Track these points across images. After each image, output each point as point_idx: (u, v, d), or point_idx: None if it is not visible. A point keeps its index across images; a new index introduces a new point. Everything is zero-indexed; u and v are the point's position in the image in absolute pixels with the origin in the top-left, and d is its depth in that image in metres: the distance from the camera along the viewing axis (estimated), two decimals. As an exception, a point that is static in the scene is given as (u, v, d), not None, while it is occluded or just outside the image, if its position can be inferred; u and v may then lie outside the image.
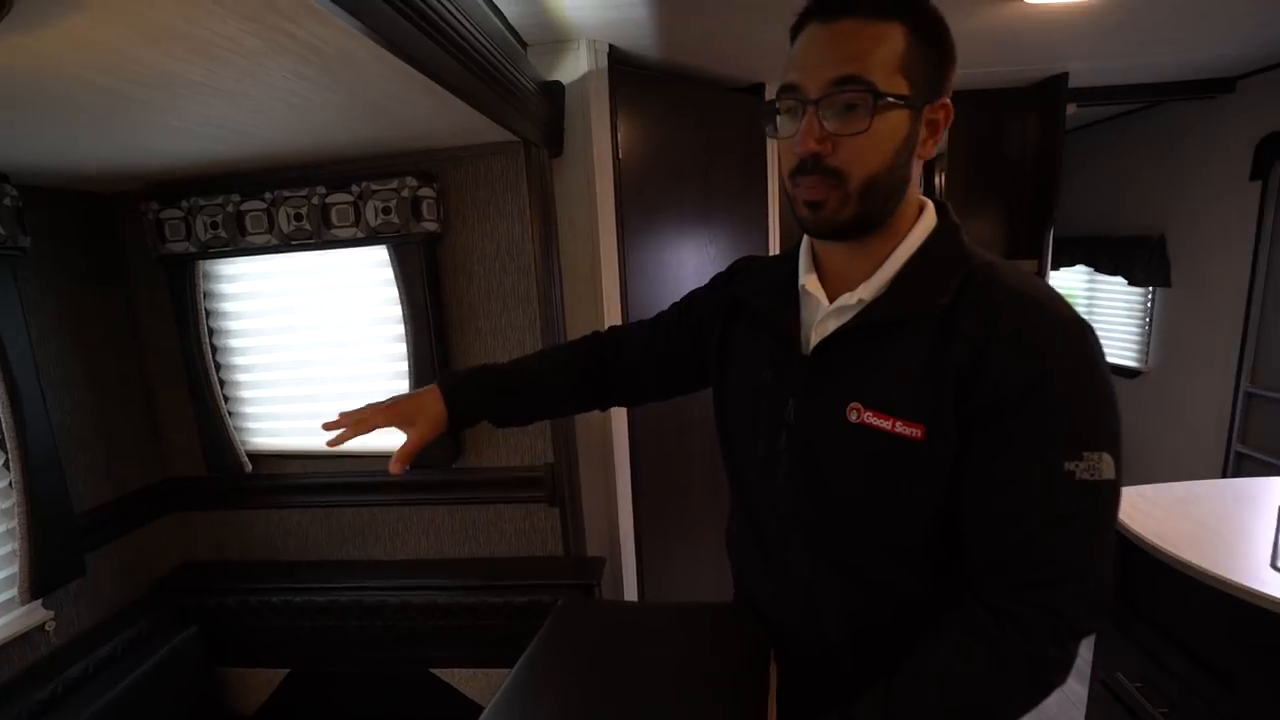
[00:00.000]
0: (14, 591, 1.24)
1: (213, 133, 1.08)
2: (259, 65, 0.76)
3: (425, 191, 1.34)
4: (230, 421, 1.52)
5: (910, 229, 0.67)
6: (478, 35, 0.90)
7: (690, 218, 1.76)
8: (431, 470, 1.50)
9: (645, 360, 0.94)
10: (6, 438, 1.21)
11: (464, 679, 1.47)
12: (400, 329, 1.43)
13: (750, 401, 0.76)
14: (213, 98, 0.89)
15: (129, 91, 0.83)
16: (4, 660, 1.23)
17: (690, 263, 1.76)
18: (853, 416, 0.65)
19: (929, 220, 0.68)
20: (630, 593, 1.61)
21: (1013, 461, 0.59)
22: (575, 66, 1.44)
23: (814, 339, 0.69)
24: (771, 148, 1.88)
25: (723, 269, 0.91)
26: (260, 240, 1.39)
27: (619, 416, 1.54)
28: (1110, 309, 3.07)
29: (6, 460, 1.23)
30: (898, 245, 0.66)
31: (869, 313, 0.65)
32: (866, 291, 0.66)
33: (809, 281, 0.71)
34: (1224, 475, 2.39)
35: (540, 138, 1.34)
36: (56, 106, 0.87)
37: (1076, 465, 0.57)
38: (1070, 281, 3.30)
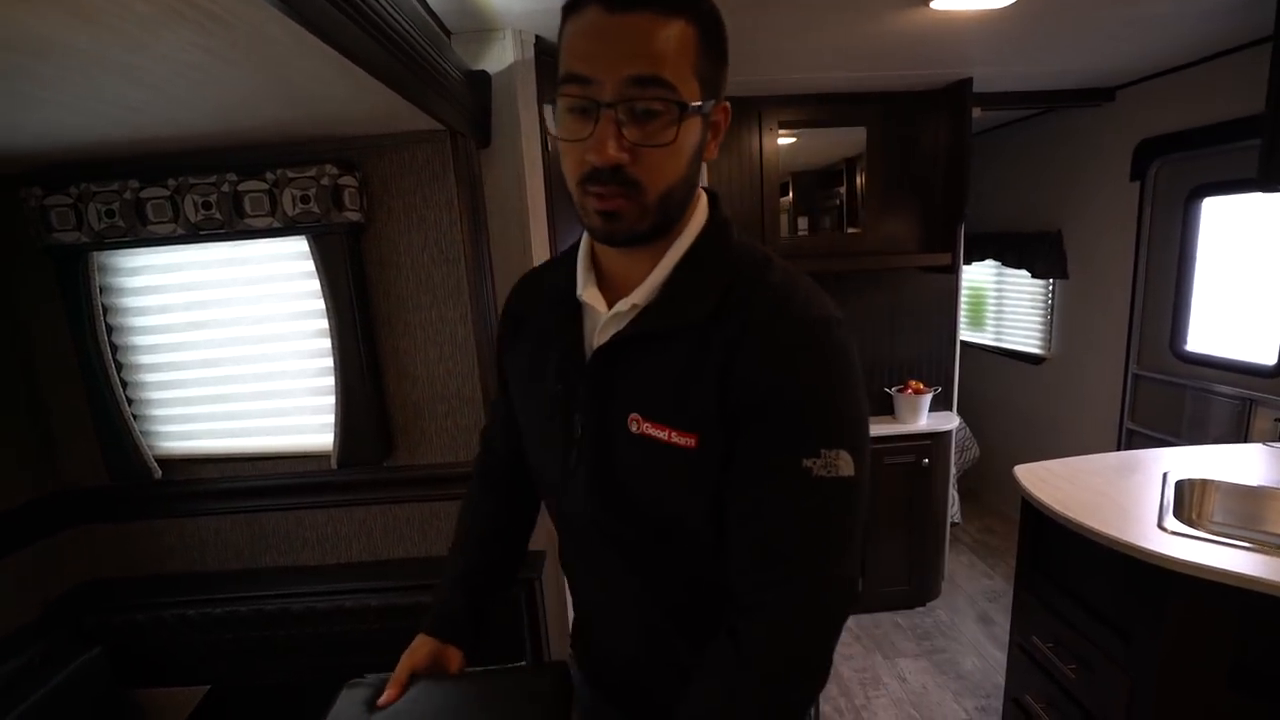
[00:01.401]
0: (-120, 619, 1.11)
1: (104, 110, 1.00)
2: (152, 34, 0.72)
3: (347, 180, 1.30)
4: (135, 425, 1.42)
5: (684, 228, 0.66)
6: (395, 14, 0.88)
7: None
8: (362, 469, 1.45)
9: (504, 436, 0.88)
10: None
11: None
12: (323, 323, 1.37)
13: (542, 418, 0.74)
14: (100, 70, 0.83)
15: (8, 60, 0.77)
16: None
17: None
18: (634, 428, 0.64)
19: (700, 218, 0.67)
20: None
21: (755, 462, 0.59)
22: (501, 57, 1.42)
23: (594, 341, 0.68)
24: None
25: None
26: (164, 230, 1.30)
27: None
28: (1017, 300, 3.29)
29: None
30: (671, 245, 0.65)
31: (639, 322, 0.64)
32: (640, 296, 0.65)
33: (588, 294, 0.69)
34: (1118, 449, 2.60)
35: (467, 127, 1.32)
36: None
37: (814, 462, 0.57)
38: (981, 276, 3.52)
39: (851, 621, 2.47)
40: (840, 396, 0.60)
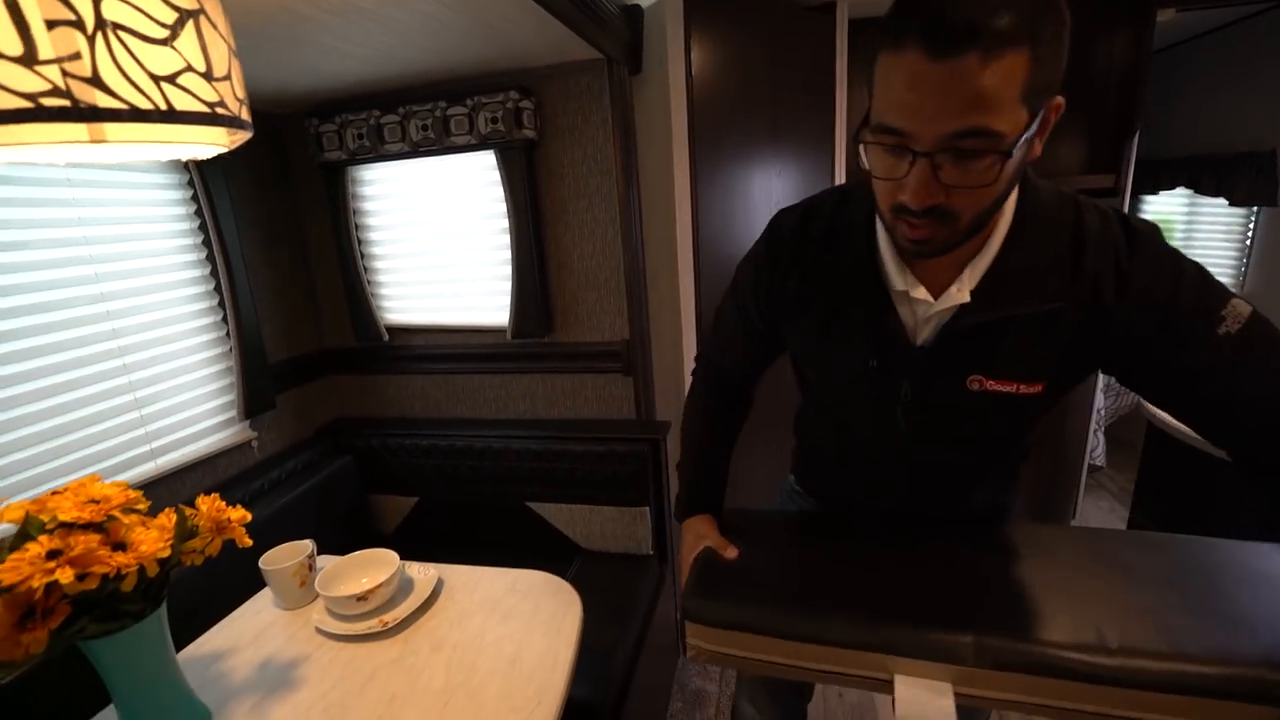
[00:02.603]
0: (234, 412, 1.67)
1: (364, 54, 1.37)
2: (416, -6, 1.03)
3: (525, 104, 1.60)
4: (372, 300, 1.89)
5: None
6: (570, -38, 1.13)
7: (759, 132, 1.93)
8: (528, 343, 1.82)
9: (745, 370, 0.98)
10: (226, 301, 1.62)
11: (551, 511, 1.82)
12: (504, 223, 1.73)
13: (848, 381, 0.79)
14: (372, 23, 1.17)
15: (317, 18, 1.12)
16: (225, 463, 1.68)
17: (756, 176, 1.94)
18: (974, 386, 0.70)
19: (1013, 197, 0.66)
20: None
21: (1194, 361, 0.63)
22: (652, -9, 1.62)
23: (923, 332, 0.71)
24: (840, 64, 1.98)
25: (785, 198, 1.00)
26: (395, 148, 1.70)
27: (688, 301, 1.79)
28: (1209, 233, 2.94)
29: (225, 317, 1.64)
30: (992, 234, 0.66)
31: (974, 314, 0.67)
32: (971, 280, 0.66)
33: (914, 290, 0.69)
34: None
35: (622, 56, 1.55)
36: (257, 35, 1.18)
37: (1224, 328, 0.61)
38: (1168, 207, 3.16)
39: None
40: (1200, 272, 0.64)
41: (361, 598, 1.08)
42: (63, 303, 1.29)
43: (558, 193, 1.71)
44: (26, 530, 0.75)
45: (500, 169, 1.67)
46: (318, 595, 1.19)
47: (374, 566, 1.17)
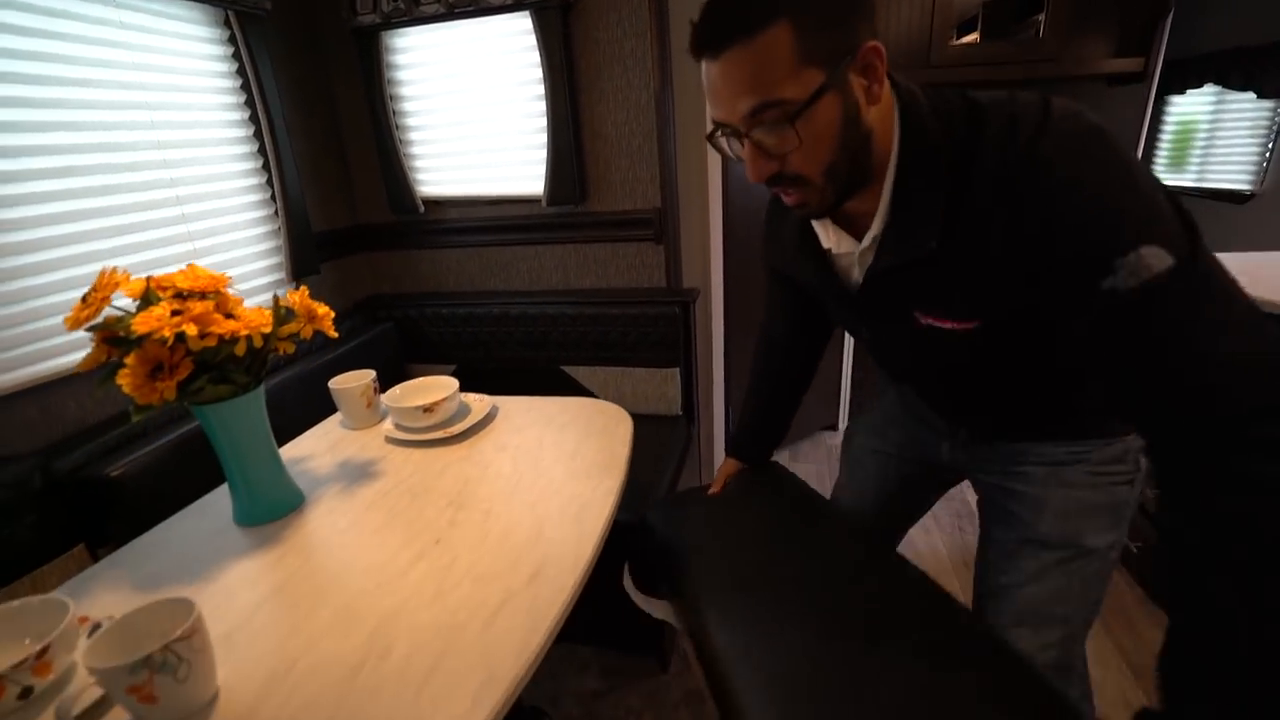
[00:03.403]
0: (282, 274, 1.74)
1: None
2: None
3: (561, -39, 1.59)
4: (408, 172, 1.93)
5: (887, 153, 0.66)
6: None
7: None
8: (563, 211, 1.87)
9: (783, 324, 1.10)
10: (271, 165, 1.66)
11: (585, 374, 1.92)
12: (539, 89, 1.74)
13: (840, 323, 0.93)
14: None
15: None
16: (275, 323, 1.77)
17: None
18: (922, 322, 0.72)
19: (894, 135, 0.65)
20: (717, 315, 1.97)
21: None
22: None
23: (856, 273, 0.76)
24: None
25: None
26: (430, 10, 1.70)
27: (715, 169, 1.82)
28: (1233, 130, 2.92)
29: (270, 179, 1.69)
30: (883, 178, 0.67)
31: (883, 256, 0.70)
32: (877, 226, 0.69)
33: (832, 242, 0.76)
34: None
35: (659, -93, 1.53)
36: None
37: (1113, 279, 0.52)
38: (1195, 108, 3.12)
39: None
40: (1117, 197, 0.54)
41: (427, 409, 1.18)
42: (125, 145, 1.34)
43: (592, 57, 1.72)
44: (148, 297, 0.83)
45: (536, 32, 1.67)
46: (381, 418, 1.29)
47: (434, 389, 1.27)
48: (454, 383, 1.26)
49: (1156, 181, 0.55)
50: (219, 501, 1.03)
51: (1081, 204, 0.54)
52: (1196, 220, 0.54)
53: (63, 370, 1.22)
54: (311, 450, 1.20)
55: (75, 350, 1.24)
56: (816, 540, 0.94)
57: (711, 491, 1.13)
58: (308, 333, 0.94)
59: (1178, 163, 3.30)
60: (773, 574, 0.88)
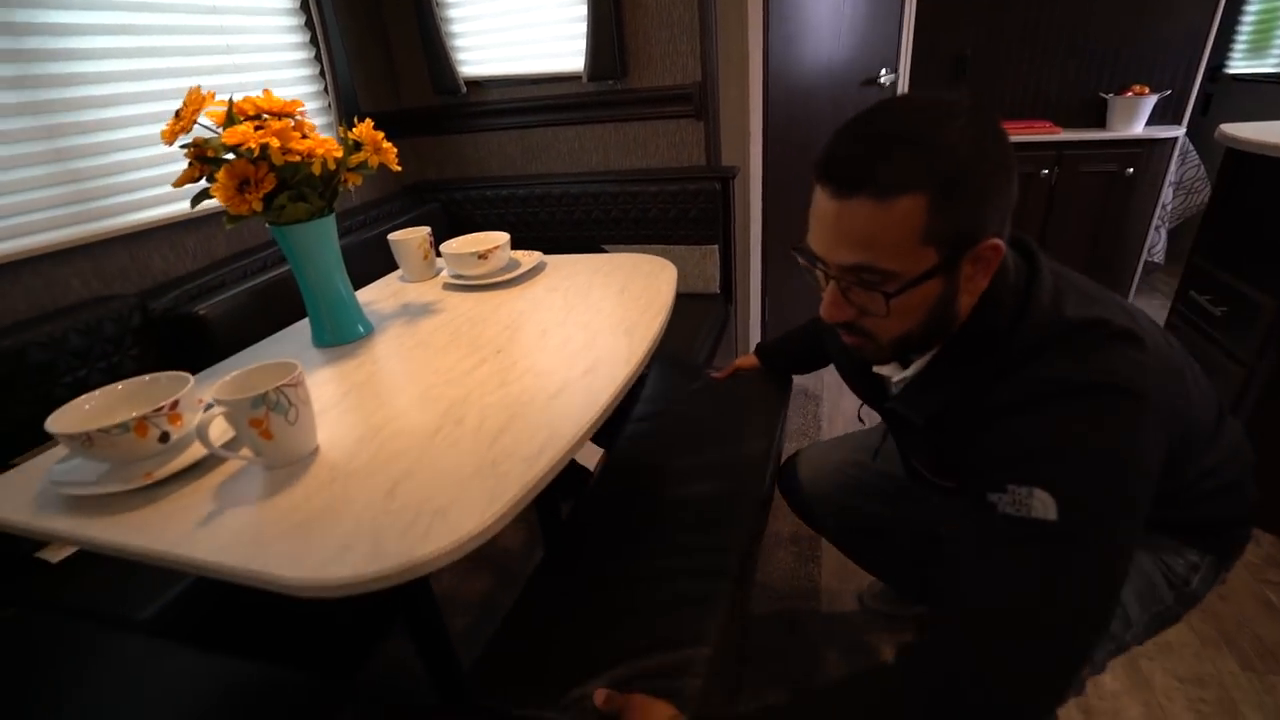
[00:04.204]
0: (332, 148, 1.81)
1: None
2: None
3: None
4: (450, 52, 1.93)
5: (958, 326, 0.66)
6: None
7: None
8: (604, 88, 1.87)
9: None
10: (320, 46, 1.69)
11: (624, 249, 1.96)
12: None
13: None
14: None
15: None
16: (329, 201, 1.84)
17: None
18: (914, 462, 0.82)
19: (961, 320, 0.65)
20: (755, 193, 1.98)
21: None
22: None
23: (891, 389, 0.78)
24: None
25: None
26: None
27: (755, 43, 1.79)
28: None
29: (318, 54, 1.72)
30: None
31: (899, 401, 0.73)
32: (910, 373, 0.72)
33: (880, 368, 0.76)
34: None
35: None
36: None
37: (998, 497, 0.55)
38: (1285, -16, 2.86)
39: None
40: (1073, 447, 0.54)
41: (481, 255, 1.25)
42: (180, 5, 1.39)
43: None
44: (232, 118, 0.89)
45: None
46: (437, 274, 1.37)
47: (486, 242, 1.33)
48: (505, 235, 1.32)
49: (1146, 470, 0.56)
50: (298, 331, 1.13)
51: (1037, 427, 0.57)
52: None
53: (148, 223, 1.32)
54: (374, 298, 1.29)
55: (159, 205, 1.33)
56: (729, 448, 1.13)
57: (717, 375, 1.24)
58: (374, 163, 1.01)
59: (1259, 48, 3.06)
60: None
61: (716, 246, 1.85)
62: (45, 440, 0.75)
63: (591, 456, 1.50)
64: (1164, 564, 0.78)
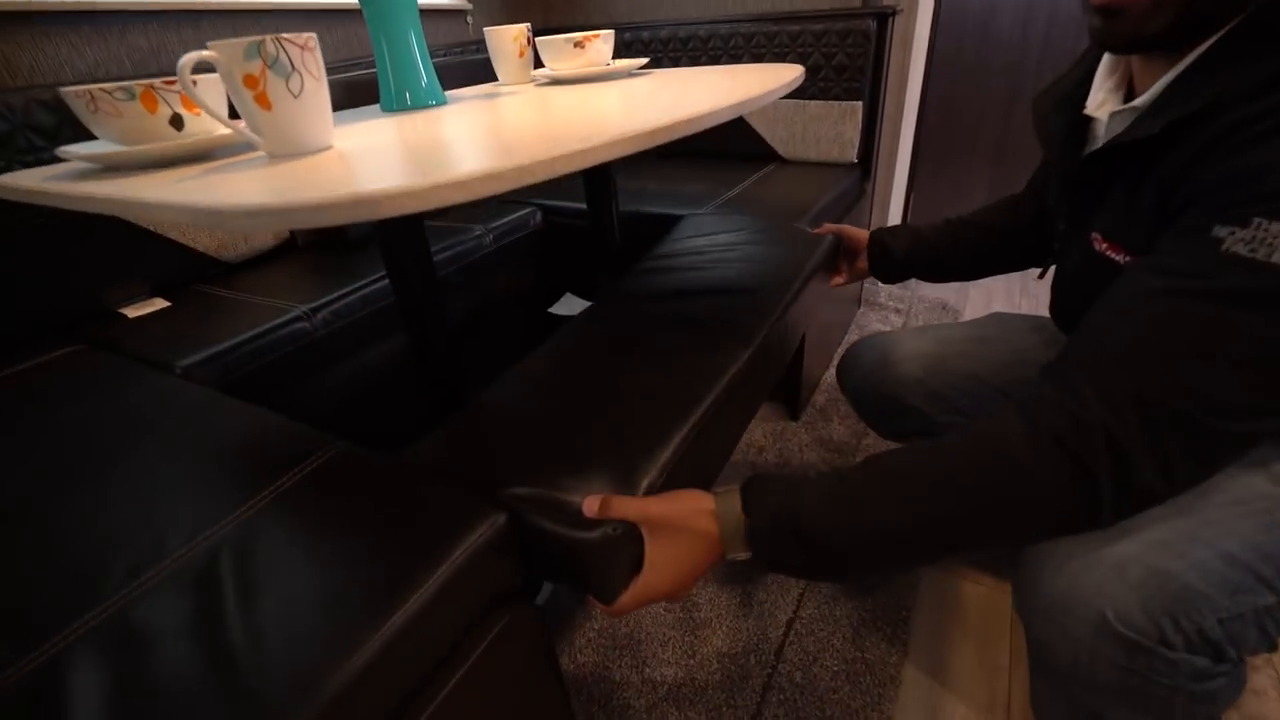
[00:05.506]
0: (448, -36, 1.69)
1: None
2: None
3: None
4: None
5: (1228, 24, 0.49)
6: None
7: None
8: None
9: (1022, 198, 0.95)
10: None
11: (751, 111, 1.72)
12: None
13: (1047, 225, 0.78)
14: None
15: None
16: (444, 29, 1.73)
17: None
18: (1095, 246, 0.61)
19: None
20: (920, 41, 1.64)
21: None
22: None
23: (1094, 144, 0.64)
24: None
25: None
26: None
27: None
28: None
29: None
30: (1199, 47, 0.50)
31: (1125, 132, 0.55)
32: (1140, 101, 0.55)
33: (1097, 101, 0.62)
34: None
35: None
36: None
37: (1232, 232, 0.43)
38: None
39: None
40: None
41: (578, 44, 1.08)
42: None
43: None
44: None
45: None
46: (532, 78, 1.22)
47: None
48: (610, 31, 1.13)
49: None
50: (371, 110, 1.03)
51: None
52: None
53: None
54: (461, 94, 1.16)
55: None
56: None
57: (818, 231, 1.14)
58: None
59: None
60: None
61: (861, 104, 1.55)
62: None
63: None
64: None
